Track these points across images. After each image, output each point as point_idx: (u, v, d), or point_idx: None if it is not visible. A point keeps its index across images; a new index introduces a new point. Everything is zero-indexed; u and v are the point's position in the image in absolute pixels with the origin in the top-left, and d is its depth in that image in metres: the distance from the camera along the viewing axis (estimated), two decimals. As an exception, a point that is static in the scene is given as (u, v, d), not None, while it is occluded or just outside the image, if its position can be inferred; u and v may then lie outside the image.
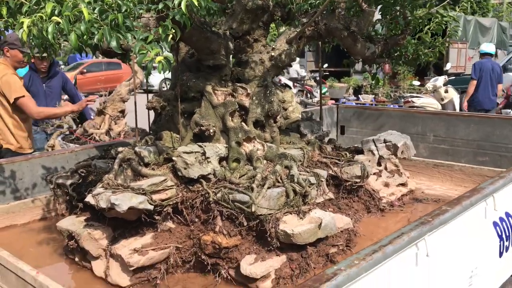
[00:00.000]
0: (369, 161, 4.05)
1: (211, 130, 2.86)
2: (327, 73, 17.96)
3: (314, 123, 4.01)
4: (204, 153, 2.75)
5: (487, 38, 17.81)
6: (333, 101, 15.62)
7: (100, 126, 6.04)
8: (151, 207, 2.56)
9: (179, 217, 2.76)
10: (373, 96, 14.77)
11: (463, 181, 4.52)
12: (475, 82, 8.66)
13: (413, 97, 11.67)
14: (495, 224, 3.01)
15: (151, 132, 3.30)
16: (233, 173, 2.79)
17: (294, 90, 16.49)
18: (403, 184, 4.13)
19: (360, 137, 6.34)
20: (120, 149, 2.98)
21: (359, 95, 15.59)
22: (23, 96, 4.52)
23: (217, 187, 2.69)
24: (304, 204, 2.75)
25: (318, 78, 17.54)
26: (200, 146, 2.80)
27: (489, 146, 5.14)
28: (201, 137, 2.96)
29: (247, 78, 3.20)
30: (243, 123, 3.02)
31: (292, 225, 2.60)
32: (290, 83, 15.82)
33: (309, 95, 17.10)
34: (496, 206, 2.90)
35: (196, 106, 3.02)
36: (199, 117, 2.95)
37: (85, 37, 1.95)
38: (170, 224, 2.77)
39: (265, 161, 2.94)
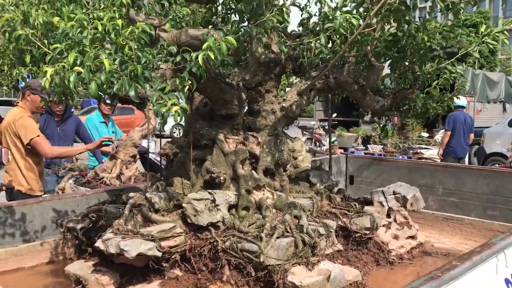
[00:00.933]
0: (379, 212, 4.03)
1: (221, 178, 2.90)
2: (336, 122, 18.07)
3: (323, 173, 4.04)
4: (214, 201, 2.78)
5: (495, 92, 17.99)
6: (342, 150, 15.65)
7: (111, 170, 6.10)
8: (159, 254, 2.56)
9: (186, 265, 2.76)
10: (382, 146, 14.81)
11: (473, 235, 4.47)
12: (449, 132, 9.47)
13: (422, 148, 11.70)
14: (507, 281, 2.96)
15: (162, 178, 3.35)
16: (242, 221, 2.80)
17: (303, 138, 16.59)
18: (412, 237, 4.09)
19: (369, 187, 6.34)
20: (131, 194, 3.02)
21: (368, 145, 15.64)
22: (38, 136, 4.63)
23: (226, 235, 2.69)
24: (313, 255, 2.74)
25: (327, 127, 17.68)
26: (210, 193, 2.83)
27: (499, 200, 5.11)
28: (211, 184, 3.00)
29: (258, 127, 3.27)
30: (253, 171, 3.06)
31: (300, 276, 2.58)
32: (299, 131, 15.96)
33: (318, 144, 17.18)
34: (508, 262, 2.86)
35: (208, 154, 3.07)
36: (211, 164, 3.00)
37: (104, 86, 2.03)
38: (177, 271, 2.76)
39: (274, 210, 2.96)
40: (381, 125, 4.02)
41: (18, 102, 5.03)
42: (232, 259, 2.57)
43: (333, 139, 16.43)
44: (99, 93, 2.06)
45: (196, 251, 2.72)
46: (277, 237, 2.64)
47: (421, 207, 4.27)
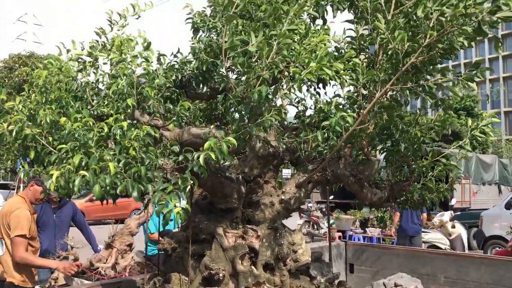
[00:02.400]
0: (381, 306, 3.93)
1: (220, 275, 2.86)
2: (334, 205, 17.94)
3: (324, 265, 3.98)
4: (214, 299, 2.72)
5: (489, 174, 18.16)
6: (340, 234, 15.41)
7: (106, 260, 5.97)
8: None
9: None
10: (381, 229, 14.63)
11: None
12: (398, 213, 9.93)
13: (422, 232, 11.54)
14: None
15: (159, 273, 3.29)
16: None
17: (301, 221, 16.42)
18: (416, 333, 3.96)
19: (370, 275, 6.21)
20: (128, 292, 2.95)
21: (366, 228, 15.44)
22: (22, 235, 4.51)
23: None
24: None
25: (324, 209, 17.52)
26: (211, 291, 2.77)
27: (504, 290, 5.00)
28: (210, 280, 2.95)
29: (258, 220, 3.28)
30: (252, 267, 3.02)
31: None
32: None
33: (315, 226, 16.95)
34: None
35: (207, 249, 3.05)
36: (209, 260, 2.97)
37: (108, 187, 2.07)
38: None
39: (276, 309, 2.88)
40: (380, 217, 4.03)
41: (14, 186, 5.01)
42: None
43: (331, 221, 16.18)
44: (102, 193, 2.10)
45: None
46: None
47: (423, 300, 4.17)
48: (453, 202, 14.69)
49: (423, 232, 11.72)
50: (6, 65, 28.80)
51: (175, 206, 2.02)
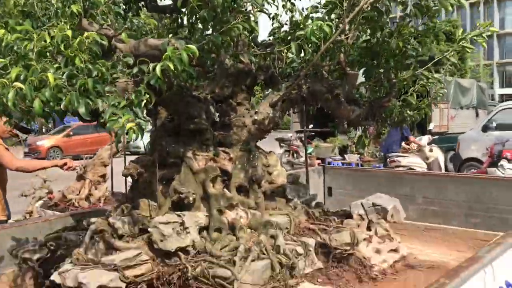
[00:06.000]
0: (359, 225, 3.88)
1: (190, 198, 2.69)
2: (313, 133, 18.02)
3: (301, 187, 3.86)
4: (182, 223, 2.57)
5: (467, 98, 18.21)
6: (319, 161, 15.58)
7: (80, 192, 5.82)
8: (123, 285, 2.33)
9: (154, 295, 2.53)
10: (359, 156, 14.76)
11: (457, 245, 4.34)
12: None
13: (399, 156, 11.64)
14: (495, 295, 2.82)
15: (127, 199, 3.11)
16: (214, 244, 2.59)
17: (281, 151, 16.46)
18: (394, 250, 3.94)
19: (348, 199, 6.19)
20: (92, 219, 2.78)
21: (345, 155, 15.58)
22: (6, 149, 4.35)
23: (197, 260, 2.48)
24: (291, 277, 2.55)
25: (303, 139, 17.59)
26: (179, 216, 2.61)
27: (480, 207, 5.02)
28: (180, 205, 2.78)
29: (230, 142, 3.08)
30: (225, 190, 2.86)
31: (277, 302, 2.38)
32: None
33: (295, 155, 17.06)
34: (496, 276, 2.72)
35: (175, 173, 2.85)
36: (178, 184, 2.78)
37: (51, 103, 1.81)
38: (145, 303, 2.52)
39: (249, 230, 2.76)
40: (357, 137, 3.88)
41: None
42: (204, 287, 2.35)
43: (310, 150, 16.41)
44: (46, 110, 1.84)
45: (164, 279, 2.50)
46: (252, 260, 2.44)
47: (402, 218, 4.13)
48: (431, 126, 14.78)
49: (401, 156, 11.83)
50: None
51: (127, 121, 1.78)
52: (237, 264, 2.34)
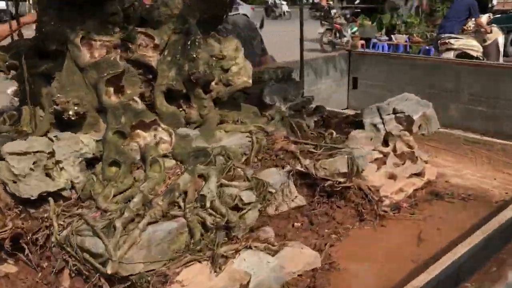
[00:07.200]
0: (371, 139, 2.84)
1: (70, 112, 1.68)
2: (358, 10, 16.35)
3: (291, 86, 2.77)
4: (52, 154, 1.60)
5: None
6: (363, 42, 14.09)
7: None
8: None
9: (22, 256, 1.68)
10: (408, 36, 13.05)
11: (505, 166, 3.24)
12: None
13: (452, 38, 9.96)
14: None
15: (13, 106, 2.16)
16: (107, 187, 1.64)
17: (322, 29, 15.01)
18: (418, 174, 2.92)
19: (378, 92, 5.04)
20: None
21: (392, 35, 13.87)
22: None
23: (73, 214, 1.56)
24: (228, 241, 1.61)
25: (349, 16, 15.89)
26: (51, 140, 1.64)
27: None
28: (62, 120, 1.79)
29: (157, 20, 1.96)
30: (136, 98, 1.82)
31: (196, 286, 1.47)
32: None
33: (338, 34, 15.49)
34: None
35: (57, 69, 1.82)
36: (57, 88, 1.77)
37: None
38: (8, 266, 1.69)
39: (173, 162, 1.77)
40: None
41: None
42: (70, 261, 1.46)
43: (354, 29, 14.99)
44: None
45: (28, 237, 1.62)
46: (153, 222, 1.49)
47: (433, 130, 3.04)
48: (494, 2, 12.65)
49: (454, 37, 10.16)
50: None
51: None
52: (117, 231, 1.40)
